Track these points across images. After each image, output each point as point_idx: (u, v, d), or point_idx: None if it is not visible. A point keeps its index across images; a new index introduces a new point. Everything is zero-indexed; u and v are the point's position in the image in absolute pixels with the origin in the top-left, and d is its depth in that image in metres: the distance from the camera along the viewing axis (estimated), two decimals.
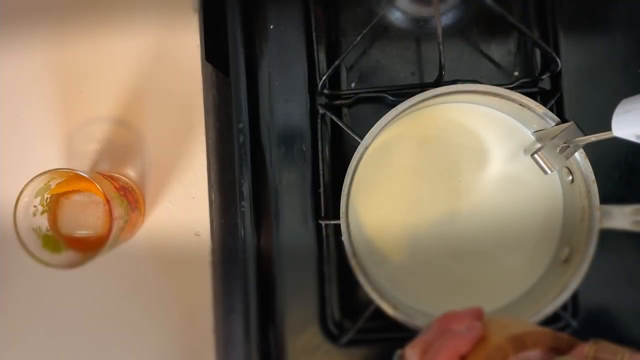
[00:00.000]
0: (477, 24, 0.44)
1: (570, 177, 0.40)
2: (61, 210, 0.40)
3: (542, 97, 0.42)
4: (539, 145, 0.39)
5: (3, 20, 0.46)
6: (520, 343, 0.26)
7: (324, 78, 0.41)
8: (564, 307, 0.39)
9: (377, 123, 0.37)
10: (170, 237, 0.44)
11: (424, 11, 0.43)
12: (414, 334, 0.38)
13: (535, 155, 0.37)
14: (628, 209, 0.36)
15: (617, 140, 0.31)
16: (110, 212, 0.36)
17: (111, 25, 0.45)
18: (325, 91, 0.43)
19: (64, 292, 0.44)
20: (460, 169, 0.41)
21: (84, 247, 0.40)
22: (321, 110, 0.42)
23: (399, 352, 0.30)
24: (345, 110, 0.44)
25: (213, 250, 0.43)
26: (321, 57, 0.44)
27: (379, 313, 0.39)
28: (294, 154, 0.42)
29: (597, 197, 0.38)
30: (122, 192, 0.39)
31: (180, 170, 0.44)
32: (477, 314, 0.29)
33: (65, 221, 0.40)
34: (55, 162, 0.44)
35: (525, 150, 0.41)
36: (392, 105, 0.38)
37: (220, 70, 0.45)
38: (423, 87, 0.41)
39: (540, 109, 0.38)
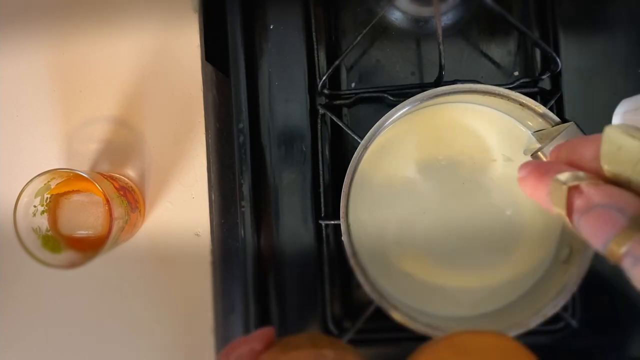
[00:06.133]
0: (477, 24, 0.44)
1: None
2: (61, 210, 0.40)
3: (542, 97, 0.42)
4: (539, 145, 0.39)
5: (3, 20, 0.46)
6: None
7: (324, 78, 0.41)
8: (564, 307, 0.38)
9: (377, 123, 0.37)
10: (170, 237, 0.44)
11: (424, 11, 0.43)
12: (414, 334, 0.38)
13: (536, 156, 0.37)
14: None
15: None
16: (110, 212, 0.36)
17: (111, 25, 0.45)
18: (325, 91, 0.43)
19: (64, 292, 0.44)
20: (460, 169, 0.41)
21: (84, 247, 0.40)
22: (321, 110, 0.42)
23: None
24: (345, 110, 0.44)
25: (213, 250, 0.44)
26: (321, 57, 0.44)
27: (379, 313, 0.39)
28: (294, 154, 0.42)
29: None
30: (122, 192, 0.39)
31: (180, 170, 0.44)
32: (266, 339, 0.26)
33: (65, 221, 0.40)
34: (55, 162, 0.44)
35: (526, 151, 0.41)
36: (392, 105, 0.38)
37: (220, 70, 0.45)
38: (423, 87, 0.41)
39: (540, 109, 0.37)
